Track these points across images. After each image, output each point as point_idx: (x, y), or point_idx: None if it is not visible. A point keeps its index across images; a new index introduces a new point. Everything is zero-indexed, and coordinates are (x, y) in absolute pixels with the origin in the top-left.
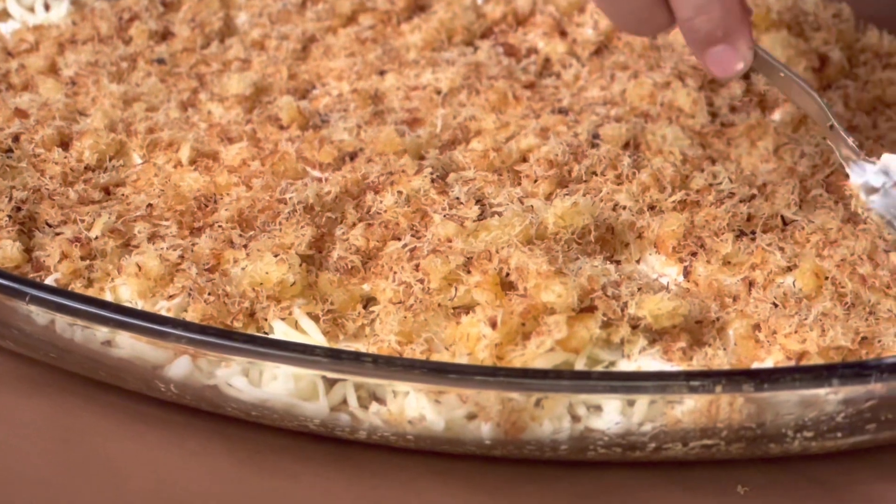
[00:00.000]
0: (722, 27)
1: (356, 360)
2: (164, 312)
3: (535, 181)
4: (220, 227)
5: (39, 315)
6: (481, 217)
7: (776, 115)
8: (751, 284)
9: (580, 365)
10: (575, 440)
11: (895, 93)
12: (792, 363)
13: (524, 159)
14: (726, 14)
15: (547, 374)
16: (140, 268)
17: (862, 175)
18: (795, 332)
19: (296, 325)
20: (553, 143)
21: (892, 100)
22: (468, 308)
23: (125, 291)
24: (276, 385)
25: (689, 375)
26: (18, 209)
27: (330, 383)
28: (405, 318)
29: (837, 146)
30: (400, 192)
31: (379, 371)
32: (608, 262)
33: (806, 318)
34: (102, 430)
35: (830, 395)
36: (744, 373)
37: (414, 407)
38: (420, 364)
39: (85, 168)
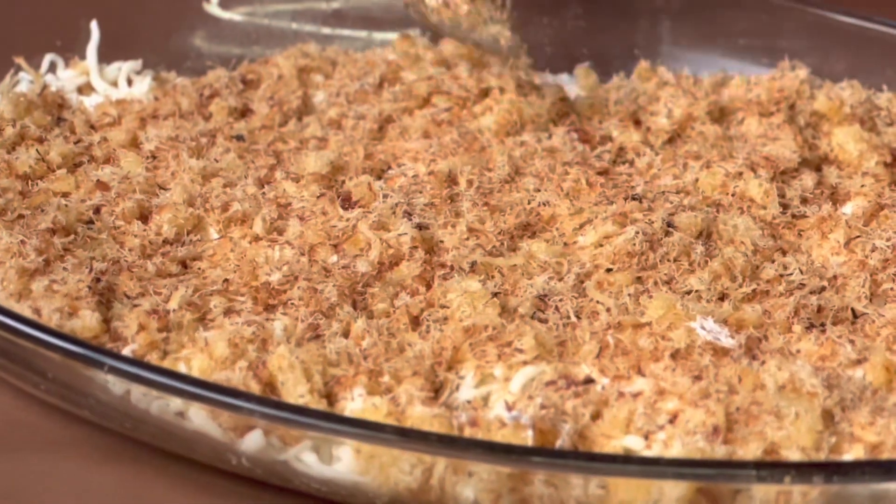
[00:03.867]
0: None
1: (423, 439)
2: None
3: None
4: (292, 304)
5: (116, 385)
6: None
7: (847, 208)
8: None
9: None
10: None
11: None
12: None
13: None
14: None
15: (615, 458)
16: (207, 343)
17: None
18: (872, 423)
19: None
20: (630, 232)
21: None
22: None
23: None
24: (345, 461)
25: (757, 465)
26: (98, 280)
27: None
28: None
29: None
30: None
31: (445, 449)
32: None
33: (882, 409)
34: (171, 500)
35: None
36: (813, 465)
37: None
38: (485, 444)
39: (163, 241)
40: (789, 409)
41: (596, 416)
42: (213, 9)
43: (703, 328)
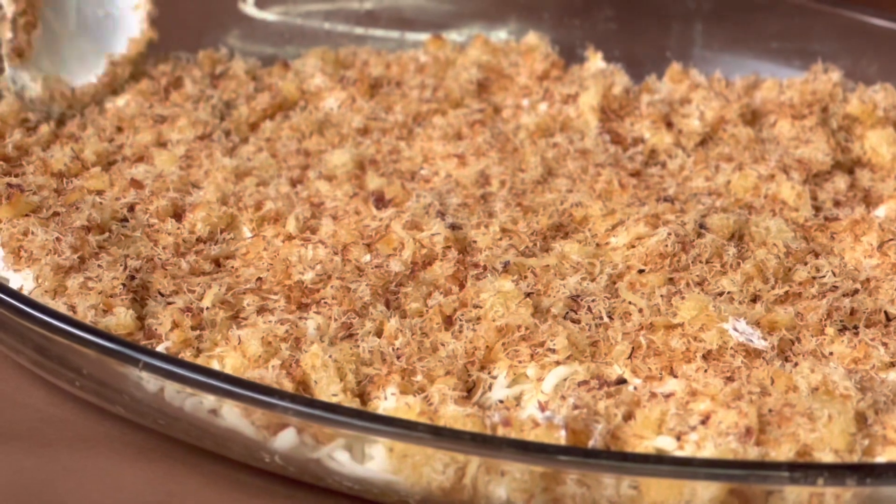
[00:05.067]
0: None
1: (456, 438)
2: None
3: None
4: (325, 303)
5: (150, 382)
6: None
7: (881, 211)
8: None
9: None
10: None
11: None
12: None
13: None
14: None
15: (647, 458)
16: (240, 341)
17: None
18: None
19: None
20: (662, 233)
21: None
22: None
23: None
24: (378, 459)
25: (790, 467)
26: (132, 277)
27: None
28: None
29: None
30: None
31: (478, 448)
32: None
33: None
34: (204, 497)
35: None
36: (846, 467)
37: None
38: (518, 443)
39: (197, 240)
40: (822, 411)
41: (628, 417)
42: (248, 8)
43: (735, 329)
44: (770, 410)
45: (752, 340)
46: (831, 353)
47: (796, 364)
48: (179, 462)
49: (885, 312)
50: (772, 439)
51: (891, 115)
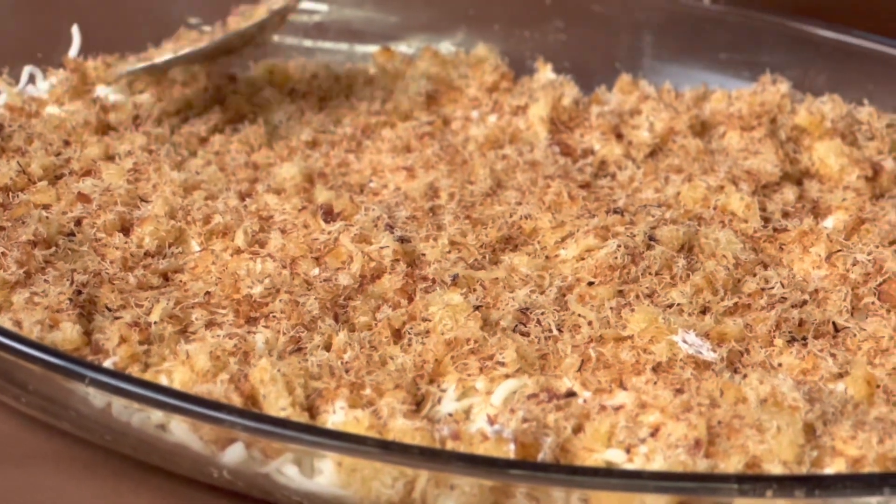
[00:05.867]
0: None
1: (405, 452)
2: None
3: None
4: (274, 317)
5: (97, 397)
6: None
7: (829, 222)
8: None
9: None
10: None
11: None
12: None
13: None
14: None
15: (597, 471)
16: (188, 356)
17: None
18: (853, 437)
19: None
20: (612, 246)
21: None
22: None
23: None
24: (326, 474)
25: (739, 479)
26: (79, 292)
27: None
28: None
29: None
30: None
31: (426, 462)
32: None
33: (864, 423)
34: None
35: None
36: (795, 478)
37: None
38: (467, 457)
39: (145, 254)
40: (771, 422)
41: (578, 430)
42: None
43: (684, 342)
44: (719, 422)
45: (701, 352)
46: (780, 365)
47: (745, 375)
48: (127, 478)
49: (834, 323)
50: (721, 451)
51: (838, 126)
